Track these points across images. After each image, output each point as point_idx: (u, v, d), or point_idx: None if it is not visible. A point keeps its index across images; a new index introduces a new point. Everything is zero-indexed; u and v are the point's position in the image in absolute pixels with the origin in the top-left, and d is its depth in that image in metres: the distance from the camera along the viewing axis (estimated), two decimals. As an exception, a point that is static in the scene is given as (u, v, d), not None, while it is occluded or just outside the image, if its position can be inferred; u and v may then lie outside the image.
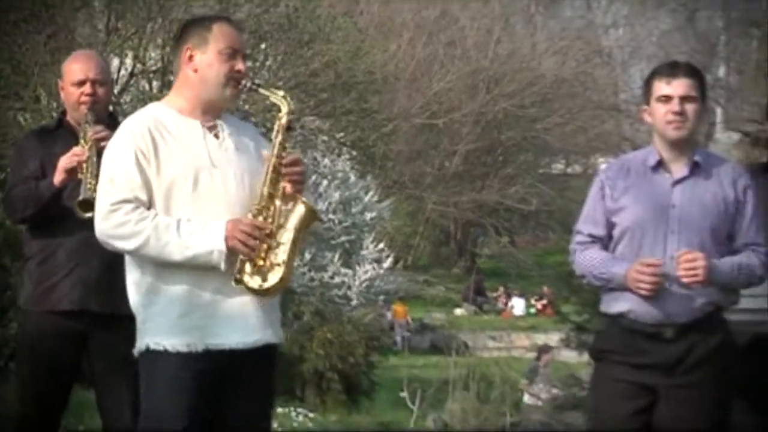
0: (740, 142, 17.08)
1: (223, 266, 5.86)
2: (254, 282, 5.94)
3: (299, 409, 16.25)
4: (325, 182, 33.37)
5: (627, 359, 6.66)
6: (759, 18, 68.75)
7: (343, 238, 34.40)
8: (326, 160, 33.23)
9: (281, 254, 5.98)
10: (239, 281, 5.94)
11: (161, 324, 5.98)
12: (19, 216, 7.70)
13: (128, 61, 22.35)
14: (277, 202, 6.01)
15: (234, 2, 24.01)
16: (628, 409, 6.64)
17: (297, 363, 22.31)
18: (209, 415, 6.05)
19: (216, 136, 6.11)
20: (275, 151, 6.03)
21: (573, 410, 17.44)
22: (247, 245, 5.86)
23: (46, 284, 7.49)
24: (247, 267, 5.94)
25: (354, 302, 33.14)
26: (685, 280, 6.48)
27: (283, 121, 6.09)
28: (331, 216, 33.77)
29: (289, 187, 6.03)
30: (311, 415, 16.03)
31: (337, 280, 33.08)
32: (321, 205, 33.07)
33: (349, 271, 34.02)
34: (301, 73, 27.53)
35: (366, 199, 35.97)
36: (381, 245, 36.80)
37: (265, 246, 5.93)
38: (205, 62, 6.06)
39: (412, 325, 46.18)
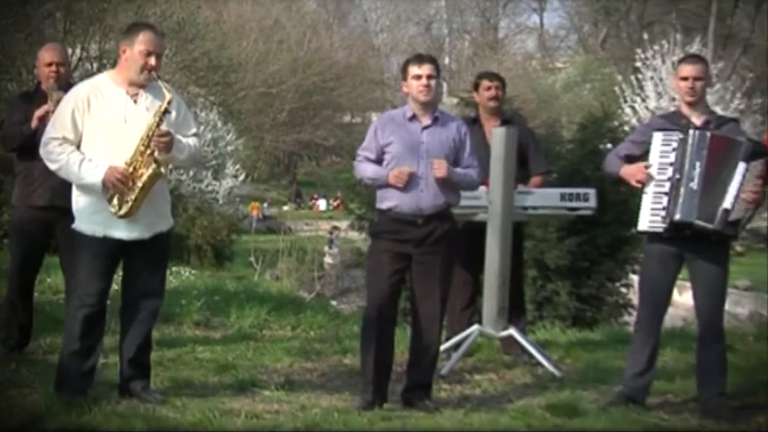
0: (458, 104, 17.14)
1: (101, 194, 6.15)
2: (113, 208, 6.15)
3: (186, 269, 16.08)
4: (202, 127, 33.45)
5: (392, 237, 6.66)
6: (470, 28, 69.52)
7: (213, 162, 34.70)
8: (203, 114, 33.30)
9: (132, 195, 6.13)
10: (110, 203, 6.15)
11: (82, 216, 6.27)
12: (10, 147, 7.86)
13: (78, 50, 21.99)
14: (144, 158, 6.16)
15: (142, 14, 23.66)
16: (391, 266, 6.64)
17: (185, 240, 22.27)
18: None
19: (135, 101, 6.27)
20: (152, 124, 6.16)
21: (356, 268, 17.52)
22: (114, 186, 6.08)
23: (28, 189, 7.65)
24: (114, 199, 6.14)
25: (221, 202, 33.43)
26: (436, 174, 6.57)
27: (163, 106, 6.19)
28: (206, 148, 33.86)
29: (156, 152, 6.17)
30: (194, 272, 15.86)
31: (210, 188, 33.47)
32: (201, 141, 32.98)
33: (218, 183, 34.39)
34: (187, 59, 27.35)
35: (228, 137, 36.52)
36: (237, 166, 37.03)
37: (125, 187, 6.10)
38: (131, 56, 6.26)
39: (259, 216, 46.30)
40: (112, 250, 6.24)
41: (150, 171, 6.13)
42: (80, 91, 6.32)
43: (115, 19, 22.71)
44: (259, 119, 50.47)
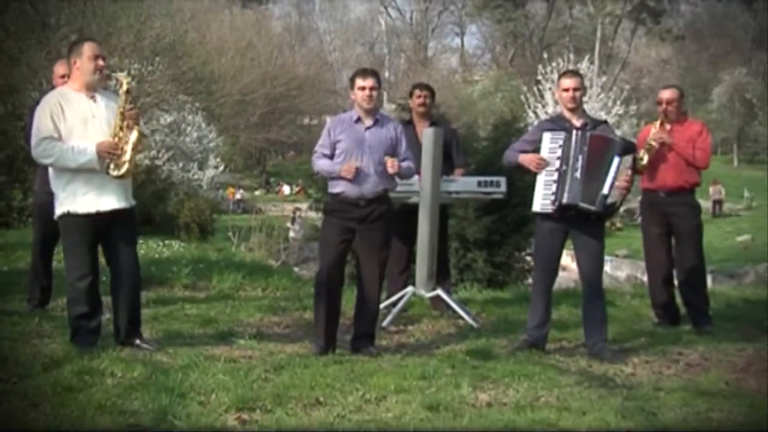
0: (395, 109, 17.20)
1: (97, 166, 6.13)
2: (114, 172, 6.19)
3: (176, 242, 15.97)
4: (189, 128, 33.15)
5: (340, 215, 6.67)
6: (405, 48, 69.54)
7: (198, 156, 34.25)
8: (190, 117, 32.79)
9: (126, 157, 6.20)
10: (107, 172, 6.17)
11: (72, 199, 6.22)
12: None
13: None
14: (124, 130, 6.22)
15: (141, 36, 23.44)
16: (339, 238, 6.65)
17: (175, 218, 21.98)
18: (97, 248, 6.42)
19: (95, 101, 6.29)
20: (122, 103, 6.25)
21: (314, 241, 17.48)
22: (108, 153, 6.12)
23: (47, 178, 7.42)
24: (111, 165, 6.17)
25: (205, 188, 33.03)
26: (390, 170, 6.66)
27: (124, 87, 6.26)
28: (192, 144, 33.53)
29: (131, 122, 6.23)
30: (183, 244, 15.76)
31: (196, 177, 32.94)
32: (187, 139, 32.82)
33: (202, 172, 33.92)
34: (177, 72, 26.98)
35: (210, 136, 35.97)
36: (218, 159, 36.75)
37: (117, 153, 6.15)
38: (82, 64, 6.30)
39: (234, 199, 45.90)
40: (100, 226, 6.23)
41: (135, 134, 6.22)
42: (51, 99, 6.30)
43: (118, 41, 22.50)
44: (236, 121, 49.96)
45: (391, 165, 6.67)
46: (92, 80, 6.29)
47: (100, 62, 6.30)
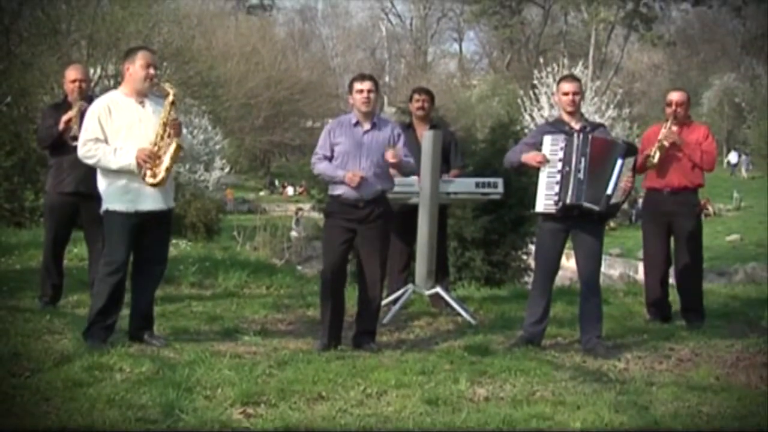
0: (395, 112, 17.25)
1: (136, 171, 6.18)
2: (149, 180, 6.22)
3: (183, 241, 15.93)
4: (195, 131, 33.09)
5: (341, 216, 6.69)
6: (405, 53, 69.59)
7: (204, 158, 34.16)
8: (197, 119, 32.77)
9: (162, 166, 6.24)
10: (143, 178, 6.20)
11: (114, 198, 6.27)
12: (43, 145, 7.94)
13: (98, 70, 21.78)
14: (165, 139, 6.26)
15: (149, 42, 23.43)
16: (341, 239, 6.68)
17: (182, 218, 22.04)
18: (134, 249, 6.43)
19: (143, 106, 6.34)
20: (165, 114, 6.29)
21: (316, 240, 17.48)
22: (145, 161, 6.17)
23: (59, 178, 7.67)
24: (148, 172, 6.20)
25: (210, 189, 32.99)
26: (392, 160, 6.69)
27: (170, 98, 6.32)
28: (198, 146, 33.48)
29: (172, 133, 6.27)
30: (189, 243, 15.70)
31: (202, 178, 32.96)
32: (195, 141, 32.81)
33: (208, 174, 33.88)
34: (184, 77, 27.01)
35: (216, 138, 35.92)
36: (224, 161, 36.70)
37: (154, 161, 6.20)
38: (134, 71, 6.34)
39: (238, 200, 45.75)
40: (137, 224, 6.29)
41: (174, 146, 6.25)
42: (101, 102, 6.37)
43: (127, 46, 22.58)
44: (241, 124, 49.84)
45: (392, 156, 6.67)
46: (143, 87, 6.37)
47: (151, 71, 6.39)
